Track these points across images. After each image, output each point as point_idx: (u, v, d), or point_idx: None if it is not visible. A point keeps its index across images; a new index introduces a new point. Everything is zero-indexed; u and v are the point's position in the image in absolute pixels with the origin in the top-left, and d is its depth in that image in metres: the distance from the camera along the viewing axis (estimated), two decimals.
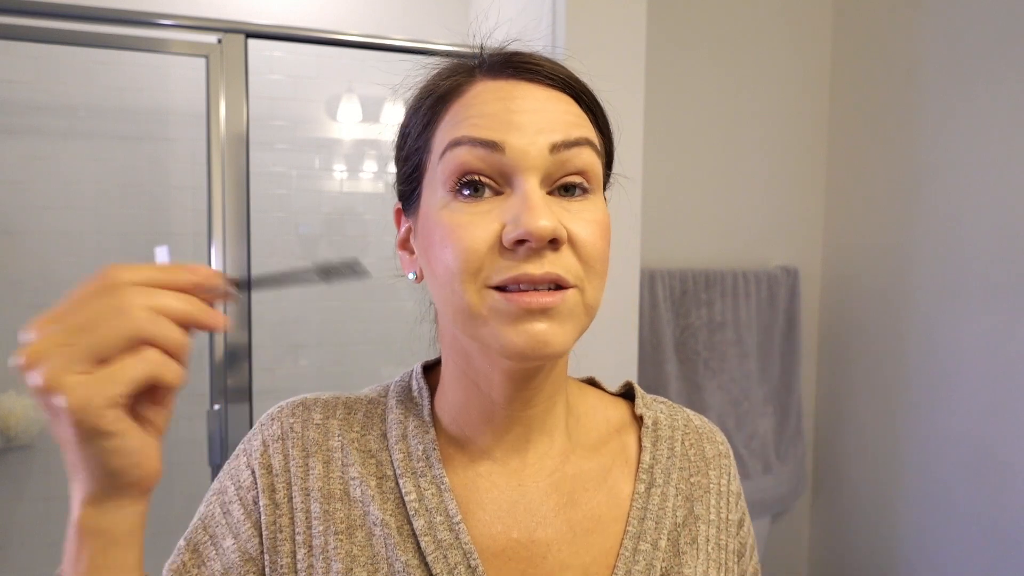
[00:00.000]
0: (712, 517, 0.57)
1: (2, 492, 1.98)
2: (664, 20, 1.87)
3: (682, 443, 0.58)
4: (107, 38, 1.47)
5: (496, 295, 0.44)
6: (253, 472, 0.52)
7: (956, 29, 1.72)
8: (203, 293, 0.39)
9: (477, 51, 0.52)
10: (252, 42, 1.42)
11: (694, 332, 1.94)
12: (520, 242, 0.43)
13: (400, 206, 0.55)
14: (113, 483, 0.38)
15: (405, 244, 0.55)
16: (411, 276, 0.54)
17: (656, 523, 0.53)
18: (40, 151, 1.99)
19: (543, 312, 0.44)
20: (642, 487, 0.55)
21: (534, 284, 0.44)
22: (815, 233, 2.16)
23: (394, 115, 2.32)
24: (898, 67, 1.88)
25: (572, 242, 0.45)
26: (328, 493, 0.51)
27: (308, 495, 0.51)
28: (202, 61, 1.43)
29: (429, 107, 0.50)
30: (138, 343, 0.36)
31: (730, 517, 0.58)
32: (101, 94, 2.04)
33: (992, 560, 1.62)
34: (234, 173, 1.41)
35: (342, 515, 0.51)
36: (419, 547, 0.49)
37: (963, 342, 1.69)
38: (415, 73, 0.53)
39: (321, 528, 0.50)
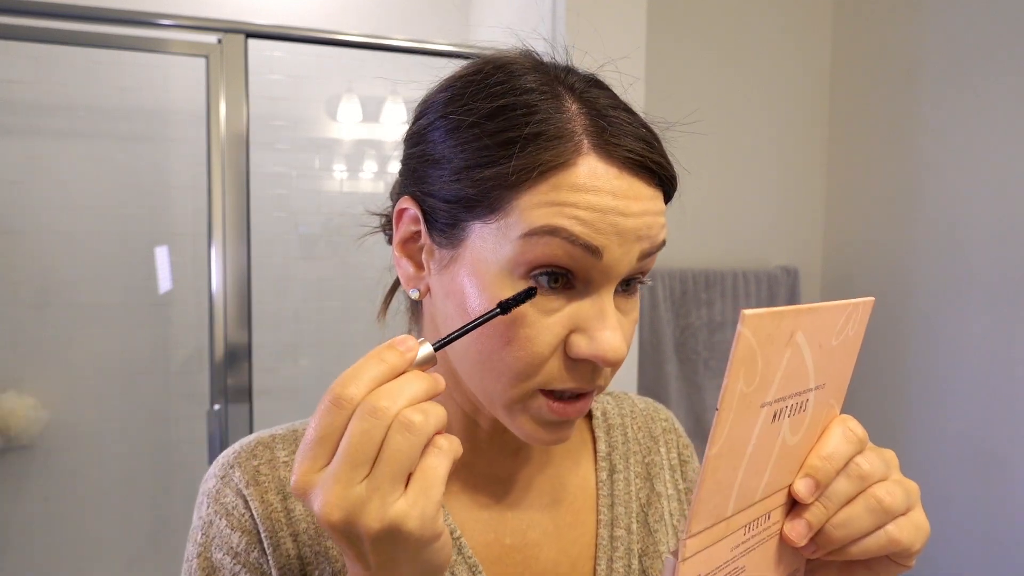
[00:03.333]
0: (671, 491, 0.60)
1: (2, 492, 1.98)
2: (664, 20, 1.87)
3: (632, 428, 0.61)
4: (107, 38, 1.47)
5: (542, 400, 0.44)
6: (241, 529, 0.48)
7: (956, 29, 1.72)
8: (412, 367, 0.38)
9: (569, 73, 0.45)
10: (252, 42, 1.42)
11: (694, 332, 1.94)
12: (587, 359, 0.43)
13: (418, 214, 0.46)
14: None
15: (408, 249, 0.48)
16: (413, 294, 0.48)
17: (625, 508, 0.56)
18: (40, 151, 1.99)
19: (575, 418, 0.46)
20: (604, 475, 0.57)
21: (581, 392, 0.45)
22: (815, 233, 2.16)
23: (394, 115, 2.32)
24: (898, 67, 1.88)
25: None
26: (317, 532, 0.49)
27: (296, 539, 0.49)
28: (202, 61, 1.43)
29: (527, 167, 0.41)
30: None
31: (689, 487, 0.61)
32: (101, 94, 2.04)
33: (992, 560, 1.62)
34: (234, 173, 1.41)
35: (337, 552, 0.49)
36: None
37: (963, 342, 1.69)
38: (471, 69, 0.46)
39: (318, 572, 0.49)
